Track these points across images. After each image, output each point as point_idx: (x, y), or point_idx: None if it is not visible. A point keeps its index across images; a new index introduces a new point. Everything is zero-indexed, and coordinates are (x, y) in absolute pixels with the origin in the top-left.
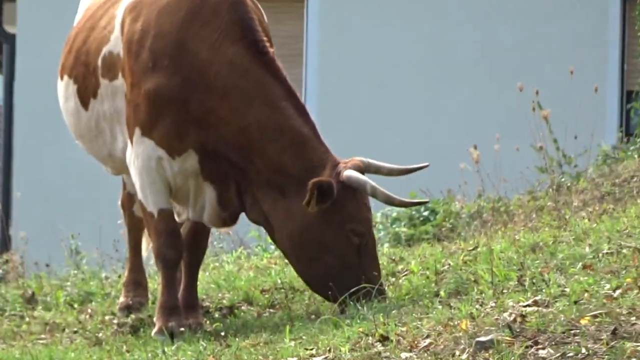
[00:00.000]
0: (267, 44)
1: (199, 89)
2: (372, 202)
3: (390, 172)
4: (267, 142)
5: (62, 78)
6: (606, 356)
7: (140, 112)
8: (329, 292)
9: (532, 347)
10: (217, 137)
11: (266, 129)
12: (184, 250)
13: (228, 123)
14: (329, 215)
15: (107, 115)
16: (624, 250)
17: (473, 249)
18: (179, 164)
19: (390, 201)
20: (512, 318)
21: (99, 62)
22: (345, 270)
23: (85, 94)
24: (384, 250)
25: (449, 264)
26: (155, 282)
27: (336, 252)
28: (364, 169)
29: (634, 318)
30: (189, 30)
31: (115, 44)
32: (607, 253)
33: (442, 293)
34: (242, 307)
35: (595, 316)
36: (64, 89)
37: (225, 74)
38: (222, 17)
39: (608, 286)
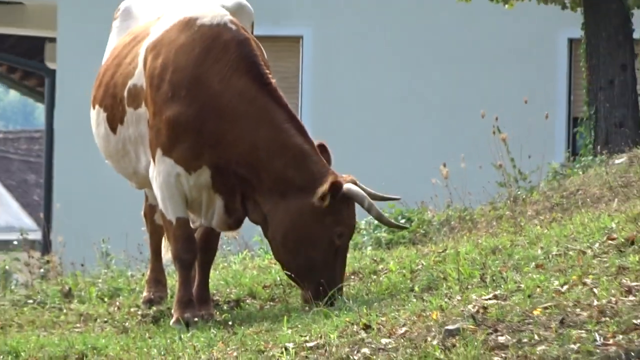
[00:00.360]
0: (270, 76)
1: (212, 116)
2: (358, 210)
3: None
4: (274, 158)
5: (93, 107)
6: (555, 342)
7: (161, 136)
8: (302, 280)
9: (492, 334)
10: (228, 155)
11: (273, 147)
12: (197, 252)
13: (238, 144)
14: (323, 217)
15: (132, 139)
16: (570, 252)
17: (442, 251)
18: (194, 179)
19: (379, 218)
20: (475, 310)
21: (125, 93)
22: (322, 265)
23: (114, 120)
24: (367, 252)
25: (422, 264)
26: (173, 280)
27: (320, 249)
28: (357, 184)
29: (578, 309)
30: (202, 65)
31: (139, 77)
32: (556, 254)
33: (416, 288)
34: (247, 301)
35: (545, 308)
36: (96, 117)
37: (235, 102)
38: (230, 54)
39: (557, 282)
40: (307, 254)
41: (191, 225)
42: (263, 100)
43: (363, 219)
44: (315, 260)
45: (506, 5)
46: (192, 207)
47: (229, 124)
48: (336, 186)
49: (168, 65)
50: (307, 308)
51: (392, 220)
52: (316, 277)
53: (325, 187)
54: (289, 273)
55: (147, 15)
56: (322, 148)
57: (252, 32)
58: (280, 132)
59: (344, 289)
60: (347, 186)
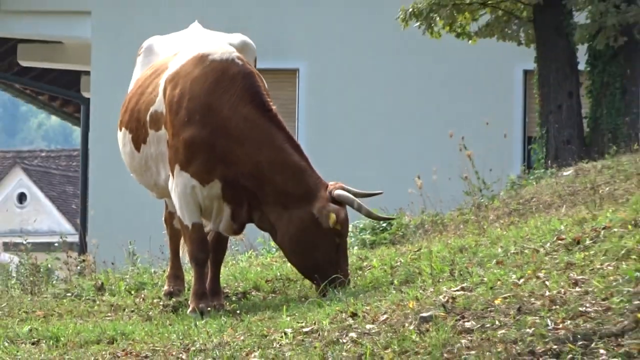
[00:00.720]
0: (271, 104)
1: (222, 137)
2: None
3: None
4: (276, 174)
5: (120, 129)
6: (513, 326)
7: (179, 154)
8: (314, 277)
9: (460, 320)
10: (236, 171)
11: (274, 165)
12: (210, 252)
13: (244, 162)
14: (320, 222)
15: (153, 156)
16: (526, 251)
17: (417, 250)
18: (207, 190)
19: (369, 214)
20: (445, 299)
21: (147, 117)
22: (327, 263)
23: (138, 140)
24: (354, 252)
25: (401, 261)
26: (189, 275)
27: (323, 250)
28: (346, 189)
29: (533, 299)
30: (213, 94)
31: (159, 104)
32: (513, 253)
33: (395, 282)
34: (252, 293)
35: (505, 298)
36: (122, 137)
37: (242, 126)
38: (237, 85)
39: (514, 276)
40: (314, 255)
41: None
42: (265, 125)
43: (351, 223)
44: (322, 260)
45: (470, 41)
46: (204, 214)
47: (237, 145)
48: (337, 213)
49: (184, 94)
50: (303, 299)
51: (380, 215)
52: (326, 273)
53: (332, 219)
54: (306, 277)
55: (167, 52)
56: (343, 189)
57: (255, 66)
58: (280, 151)
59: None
60: (336, 192)
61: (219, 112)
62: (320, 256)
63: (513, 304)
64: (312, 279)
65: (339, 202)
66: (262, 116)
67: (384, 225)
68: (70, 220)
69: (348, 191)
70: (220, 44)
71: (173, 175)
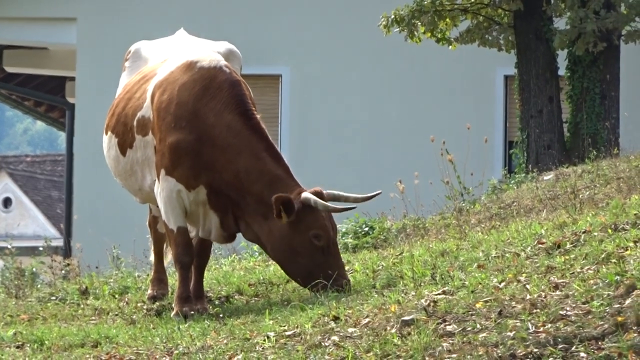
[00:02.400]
0: (255, 112)
1: (207, 144)
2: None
3: (355, 200)
4: (253, 183)
5: (106, 133)
6: (494, 330)
7: (165, 159)
8: (306, 282)
9: (441, 323)
10: (219, 178)
11: (251, 174)
12: (194, 256)
13: (226, 169)
14: (295, 227)
15: (139, 161)
16: (507, 254)
17: (399, 254)
18: (193, 195)
19: (326, 209)
20: (427, 303)
21: (135, 122)
22: (316, 268)
23: (124, 145)
24: None
25: (382, 265)
26: (173, 279)
27: (305, 254)
28: (321, 193)
29: (514, 303)
30: (201, 101)
31: (147, 110)
32: (495, 256)
33: (377, 285)
34: (235, 297)
35: (486, 301)
36: (108, 142)
37: (225, 134)
38: (224, 92)
39: (495, 280)
40: (299, 261)
41: (190, 235)
42: (246, 133)
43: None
44: (308, 264)
45: (450, 47)
46: (191, 220)
47: (220, 152)
48: (280, 199)
49: (172, 100)
50: (286, 303)
51: (339, 207)
52: (315, 277)
53: (283, 219)
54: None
55: (154, 57)
56: (315, 192)
57: (240, 73)
58: (257, 160)
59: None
60: (302, 195)
61: (205, 119)
62: (305, 262)
63: (494, 307)
64: (303, 284)
65: (308, 204)
66: (244, 124)
67: (366, 229)
68: (55, 224)
69: (340, 196)
70: (208, 52)
71: (159, 179)
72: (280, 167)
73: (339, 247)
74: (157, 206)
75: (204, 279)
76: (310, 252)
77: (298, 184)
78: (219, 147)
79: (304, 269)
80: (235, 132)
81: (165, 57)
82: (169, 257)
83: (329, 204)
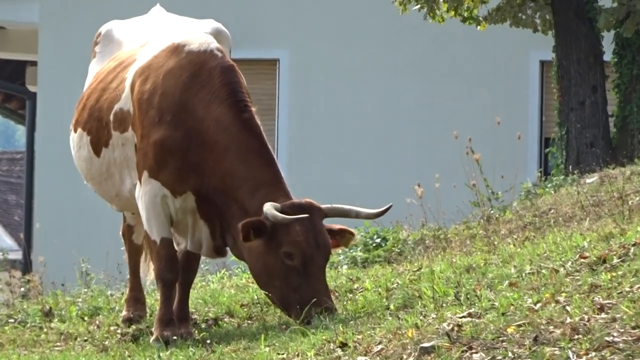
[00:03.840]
0: (249, 104)
1: (195, 141)
2: None
3: (368, 216)
4: (236, 189)
5: (75, 130)
6: (529, 359)
7: (148, 159)
8: (288, 310)
9: (467, 351)
10: (207, 182)
11: (235, 178)
12: (179, 272)
13: (214, 172)
14: (267, 245)
15: (117, 162)
16: (543, 271)
17: (417, 270)
18: (179, 202)
19: (277, 219)
20: (450, 327)
21: (111, 117)
22: (292, 291)
23: (98, 143)
24: (343, 271)
25: (398, 283)
26: (152, 298)
27: (278, 276)
28: (309, 206)
29: (551, 327)
30: (189, 91)
31: (125, 102)
32: (529, 273)
33: (391, 307)
34: (225, 319)
35: (519, 325)
36: (78, 140)
37: (212, 130)
38: (214, 80)
39: (530, 300)
40: (274, 285)
41: (176, 247)
42: (235, 129)
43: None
44: (283, 288)
45: (478, 27)
46: (178, 229)
47: (208, 151)
48: (248, 225)
49: (156, 90)
50: (284, 326)
51: (288, 216)
52: (290, 301)
53: (240, 233)
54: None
55: (130, 40)
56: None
57: (230, 57)
58: (242, 162)
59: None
60: (265, 208)
61: (193, 111)
62: (281, 284)
63: (528, 332)
64: (287, 312)
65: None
66: (234, 119)
67: (378, 240)
68: (13, 234)
69: (344, 210)
70: (197, 33)
71: (140, 182)
72: (268, 171)
73: (347, 261)
74: (135, 214)
75: (189, 299)
76: (283, 273)
77: (286, 193)
78: (208, 145)
79: (278, 292)
80: (223, 127)
81: (144, 40)
82: (151, 273)
83: (277, 214)
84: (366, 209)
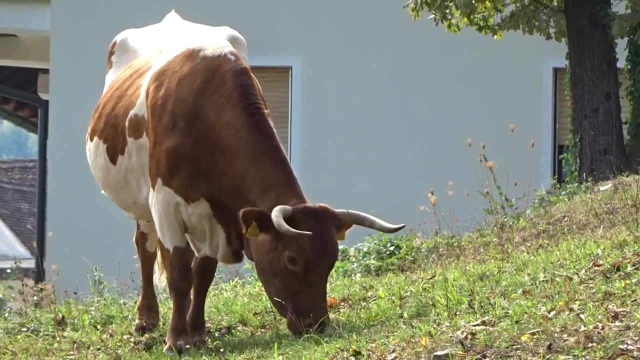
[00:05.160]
0: (261, 106)
1: (207, 147)
2: (346, 237)
3: (381, 229)
4: (248, 192)
5: (92, 139)
6: None
7: (161, 166)
8: (280, 311)
9: (481, 359)
10: (219, 187)
11: (246, 181)
12: (192, 281)
13: (226, 175)
14: (273, 244)
15: (133, 169)
16: (557, 279)
17: (431, 278)
18: (193, 208)
19: (282, 229)
20: (464, 335)
21: (126, 123)
22: (290, 295)
23: (114, 151)
24: (357, 279)
25: (411, 291)
26: (165, 307)
27: (280, 277)
28: (324, 210)
29: (566, 335)
30: (202, 96)
31: (140, 107)
32: (543, 281)
33: (405, 315)
34: (238, 328)
35: (533, 334)
36: (94, 149)
37: (224, 134)
38: (227, 84)
39: (544, 308)
40: (274, 284)
41: (196, 254)
42: (246, 132)
43: (352, 247)
44: (281, 291)
45: (495, 36)
46: (195, 235)
47: (220, 156)
48: (251, 215)
49: (170, 96)
50: (297, 335)
51: (292, 230)
52: (288, 305)
53: (242, 224)
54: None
55: (146, 48)
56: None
57: (246, 64)
58: (252, 165)
59: (331, 316)
60: (275, 218)
61: (205, 116)
62: (280, 285)
63: (542, 340)
64: (280, 312)
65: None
66: (246, 121)
67: (392, 248)
68: (26, 242)
69: (360, 218)
70: (214, 38)
71: (154, 189)
72: (280, 172)
73: (361, 269)
74: (150, 222)
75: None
76: (284, 276)
77: (299, 194)
78: (220, 149)
79: (275, 291)
80: (235, 130)
81: (160, 47)
82: (163, 281)
83: (282, 224)
84: (381, 220)
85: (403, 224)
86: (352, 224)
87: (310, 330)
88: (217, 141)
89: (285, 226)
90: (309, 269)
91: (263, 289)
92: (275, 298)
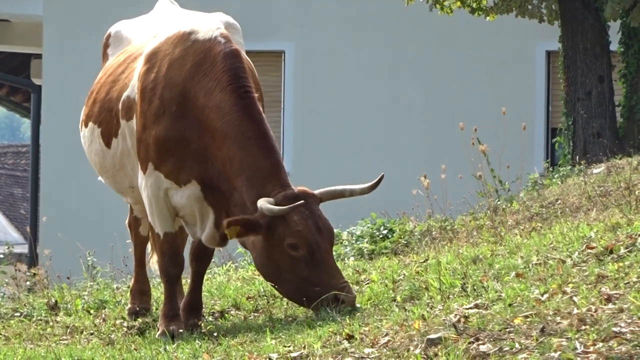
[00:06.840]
0: (251, 89)
1: (197, 130)
2: (339, 221)
3: (362, 192)
4: (235, 177)
5: (86, 125)
6: (536, 350)
7: (151, 151)
8: (302, 301)
9: (474, 342)
10: (212, 169)
11: (234, 165)
12: (183, 266)
13: (216, 158)
14: (269, 242)
15: (128, 151)
16: (550, 261)
17: (424, 261)
18: (183, 191)
19: (273, 212)
20: (457, 319)
21: (120, 105)
22: (303, 282)
23: (108, 135)
24: (350, 263)
25: (404, 274)
26: (158, 292)
27: (287, 269)
28: (305, 194)
29: (558, 318)
30: (192, 79)
31: (132, 89)
32: (536, 264)
33: (398, 298)
34: (231, 312)
35: (526, 317)
36: (89, 134)
37: (213, 117)
38: (218, 66)
39: (537, 291)
40: (283, 278)
41: (192, 238)
42: (234, 116)
43: (345, 230)
44: (294, 281)
45: (487, 18)
46: (186, 219)
47: (210, 139)
48: (234, 223)
49: (160, 80)
50: (290, 319)
51: (288, 207)
52: (308, 295)
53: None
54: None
55: (140, 36)
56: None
57: (244, 50)
58: (239, 149)
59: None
60: (262, 206)
61: (195, 100)
62: (290, 276)
63: (535, 323)
64: (299, 304)
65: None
66: (234, 104)
67: (385, 232)
68: (19, 227)
69: (338, 192)
70: (207, 21)
71: (144, 173)
72: (267, 158)
73: (354, 253)
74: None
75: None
76: (292, 266)
77: (283, 183)
78: (209, 132)
79: (290, 285)
80: (223, 113)
81: (153, 33)
82: (155, 263)
83: (270, 206)
84: (359, 185)
85: (382, 174)
86: (332, 199)
87: (345, 302)
88: (206, 124)
89: (276, 207)
90: (312, 248)
91: (257, 273)
92: (292, 292)
